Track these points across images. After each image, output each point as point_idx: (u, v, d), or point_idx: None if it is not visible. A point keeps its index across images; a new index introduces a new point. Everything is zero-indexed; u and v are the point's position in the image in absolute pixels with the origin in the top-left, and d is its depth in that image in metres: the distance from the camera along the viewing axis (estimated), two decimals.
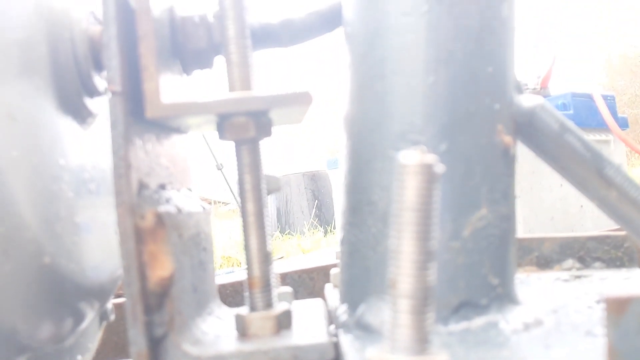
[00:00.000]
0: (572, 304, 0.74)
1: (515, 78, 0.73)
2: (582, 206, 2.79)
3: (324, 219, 6.83)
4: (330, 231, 6.27)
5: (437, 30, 0.67)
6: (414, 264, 0.45)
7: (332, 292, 0.90)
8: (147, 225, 0.60)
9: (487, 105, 0.68)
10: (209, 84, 0.85)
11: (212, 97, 0.65)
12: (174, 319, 0.61)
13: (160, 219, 0.61)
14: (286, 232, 6.55)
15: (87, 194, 0.76)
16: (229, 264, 3.74)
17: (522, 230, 2.69)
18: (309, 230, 6.41)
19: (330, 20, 0.78)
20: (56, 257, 0.66)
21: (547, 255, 1.04)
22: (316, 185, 7.16)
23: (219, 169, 4.96)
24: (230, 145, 0.70)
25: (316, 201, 7.00)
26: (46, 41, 0.68)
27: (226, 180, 5.08)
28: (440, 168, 0.45)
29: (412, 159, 0.44)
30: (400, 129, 0.68)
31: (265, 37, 0.77)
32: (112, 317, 0.89)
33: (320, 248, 4.82)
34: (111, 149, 0.58)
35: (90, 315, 0.79)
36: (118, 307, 0.98)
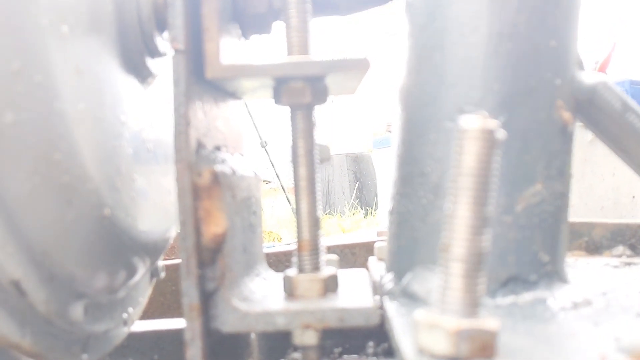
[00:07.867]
0: (621, 288, 0.73)
1: (578, 54, 0.71)
2: (634, 197, 2.69)
3: (364, 201, 6.82)
4: (371, 213, 6.26)
5: (501, 2, 0.66)
6: (469, 228, 0.45)
7: (376, 264, 0.91)
8: (204, 183, 0.62)
9: (548, 79, 0.67)
10: (266, 50, 0.86)
11: (270, 60, 0.66)
12: (224, 275, 0.63)
13: (216, 178, 0.63)
14: (327, 212, 6.57)
15: (145, 153, 0.78)
16: (270, 239, 3.79)
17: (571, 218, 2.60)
18: (349, 210, 6.41)
19: None
20: (115, 210, 0.68)
21: (597, 240, 1.02)
22: (358, 166, 7.14)
23: (263, 146, 4.99)
24: (286, 111, 0.71)
25: (358, 183, 6.99)
26: (112, 1, 0.70)
27: (269, 158, 5.10)
28: (501, 134, 0.45)
29: (474, 124, 0.44)
30: (457, 100, 0.67)
31: (324, 4, 0.77)
32: (162, 274, 0.92)
33: (360, 229, 4.82)
34: (173, 106, 0.59)
35: (142, 270, 0.81)
36: (166, 268, 1.01)
